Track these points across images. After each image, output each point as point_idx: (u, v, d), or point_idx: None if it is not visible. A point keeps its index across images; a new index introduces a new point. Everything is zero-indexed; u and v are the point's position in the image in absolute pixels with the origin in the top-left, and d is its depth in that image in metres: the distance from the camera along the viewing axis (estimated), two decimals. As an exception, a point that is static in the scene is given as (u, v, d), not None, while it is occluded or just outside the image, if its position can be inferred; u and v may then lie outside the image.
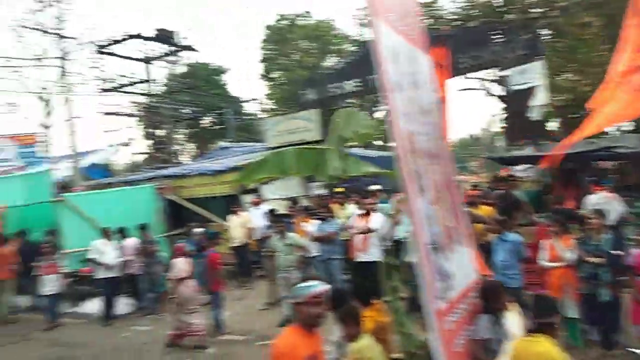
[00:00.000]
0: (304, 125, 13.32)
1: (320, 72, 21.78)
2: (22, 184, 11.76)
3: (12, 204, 11.78)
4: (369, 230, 7.30)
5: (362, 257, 7.30)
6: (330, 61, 29.06)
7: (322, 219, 8.07)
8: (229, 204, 11.28)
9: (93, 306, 9.54)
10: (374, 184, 9.28)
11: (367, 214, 7.53)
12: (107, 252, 9.06)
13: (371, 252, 7.16)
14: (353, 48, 26.69)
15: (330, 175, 4.21)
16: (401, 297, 4.54)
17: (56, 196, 10.89)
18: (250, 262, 10.59)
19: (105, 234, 9.35)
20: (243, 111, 31.83)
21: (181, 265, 7.14)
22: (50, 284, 8.72)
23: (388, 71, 2.85)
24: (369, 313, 3.91)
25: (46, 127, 25.49)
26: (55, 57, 23.40)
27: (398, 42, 3.22)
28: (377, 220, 7.35)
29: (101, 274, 8.97)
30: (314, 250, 8.16)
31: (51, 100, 25.39)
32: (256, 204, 10.68)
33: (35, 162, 20.36)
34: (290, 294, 2.84)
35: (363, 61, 13.93)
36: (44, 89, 25.60)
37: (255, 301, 9.06)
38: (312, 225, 8.18)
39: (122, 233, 9.85)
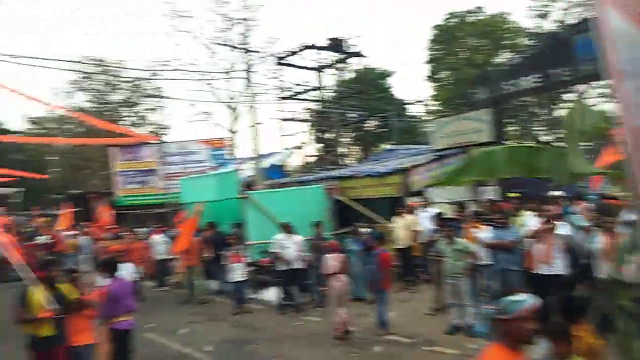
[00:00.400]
0: (474, 125, 12.69)
1: (492, 69, 20.54)
2: (214, 182, 13.41)
3: (206, 199, 13.56)
4: (554, 241, 6.62)
5: (544, 270, 6.65)
6: (503, 57, 27.24)
7: (496, 225, 7.56)
8: (393, 206, 11.33)
9: (270, 294, 10.45)
10: (554, 190, 8.40)
11: (549, 221, 6.84)
12: (288, 247, 9.60)
13: (555, 265, 6.49)
14: (530, 42, 24.60)
15: (571, 175, 3.69)
16: (632, 318, 3.93)
17: (242, 193, 12.16)
18: (414, 265, 10.48)
19: (286, 229, 9.88)
20: (407, 113, 31.72)
21: (332, 261, 7.63)
22: (236, 272, 9.67)
23: (618, 57, 2.47)
24: (577, 332, 3.50)
25: (233, 132, 28.80)
26: (241, 70, 26.32)
27: (628, 27, 2.79)
28: (563, 230, 6.65)
29: (281, 267, 9.59)
30: (485, 258, 7.71)
31: (237, 108, 28.66)
32: (423, 206, 10.48)
33: (224, 163, 23.16)
34: (492, 308, 2.63)
35: (543, 54, 12.70)
36: (231, 98, 28.99)
37: (419, 305, 8.91)
38: (484, 232, 7.72)
39: (285, 229, 10.41)
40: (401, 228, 10.28)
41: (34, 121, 36.24)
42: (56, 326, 5.08)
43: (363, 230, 9.67)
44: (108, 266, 6.00)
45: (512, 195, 11.30)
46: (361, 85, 25.30)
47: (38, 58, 27.36)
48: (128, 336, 5.78)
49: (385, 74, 33.09)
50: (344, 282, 7.64)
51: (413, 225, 10.22)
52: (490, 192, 12.34)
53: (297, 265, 9.57)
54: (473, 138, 12.66)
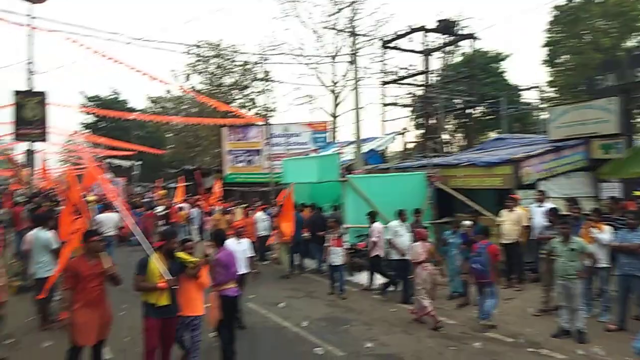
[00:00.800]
0: (599, 115, 11.51)
1: (622, 54, 18.45)
2: (316, 164, 13.66)
3: (307, 180, 13.88)
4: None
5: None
6: (635, 41, 24.37)
7: (619, 226, 6.85)
8: (499, 198, 10.73)
9: (364, 277, 10.52)
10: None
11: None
12: (402, 235, 9.20)
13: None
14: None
15: None
16: None
17: (341, 177, 12.27)
18: (521, 262, 9.88)
19: (402, 216, 9.53)
20: (519, 100, 29.69)
21: (419, 249, 7.75)
22: (336, 255, 9.75)
23: None
24: None
25: (335, 116, 29.11)
26: (346, 54, 26.39)
27: None
28: None
29: (395, 255, 9.24)
30: (604, 260, 7.04)
31: (340, 92, 28.87)
32: (539, 200, 9.77)
33: (325, 146, 23.53)
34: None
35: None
36: (335, 82, 29.26)
37: (524, 304, 8.41)
38: (605, 232, 7.04)
39: (372, 217, 10.32)
40: (509, 222, 9.71)
41: (154, 100, 39.50)
42: (172, 296, 5.10)
43: (465, 222, 9.25)
44: (217, 237, 6.40)
45: (638, 193, 10.19)
46: (470, 70, 24.07)
47: (160, 41, 29.59)
48: (235, 303, 6.13)
49: (498, 58, 31.18)
50: (430, 270, 7.70)
51: (523, 219, 9.61)
52: (612, 189, 11.22)
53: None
54: (596, 129, 11.52)
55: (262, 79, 27.02)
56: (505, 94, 25.41)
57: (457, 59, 30.15)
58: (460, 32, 23.22)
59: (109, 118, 36.32)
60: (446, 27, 22.07)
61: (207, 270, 5.78)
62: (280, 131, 25.09)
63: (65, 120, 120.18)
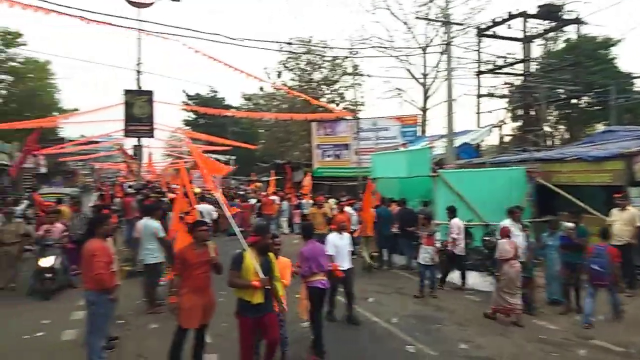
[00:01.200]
0: None
1: None
2: (406, 159, 13.41)
3: (397, 175, 13.68)
4: None
5: None
6: None
7: None
8: (609, 196, 9.81)
9: (454, 276, 10.16)
10: None
11: None
12: (517, 234, 8.42)
13: None
14: None
15: None
16: None
17: (432, 172, 11.93)
18: (633, 265, 8.99)
19: (514, 215, 8.83)
20: (631, 89, 26.91)
21: (506, 247, 7.71)
22: (427, 254, 9.33)
23: None
24: None
25: (425, 109, 28.42)
26: (439, 44, 25.57)
27: None
28: None
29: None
30: None
31: (431, 84, 28.09)
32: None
33: (414, 140, 23.08)
34: None
35: None
36: (425, 75, 28.52)
37: (636, 311, 7.72)
38: None
39: (452, 212, 10.01)
40: (621, 222, 8.87)
41: (248, 98, 41.17)
42: (266, 294, 4.87)
43: (567, 225, 8.38)
44: (305, 231, 6.75)
45: None
46: (575, 57, 22.23)
47: (255, 40, 30.72)
48: (323, 295, 6.23)
49: (608, 43, 28.50)
50: (517, 268, 7.63)
51: (637, 220, 8.74)
52: None
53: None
54: None
55: (351, 74, 27.04)
56: (615, 82, 23.14)
57: (561, 45, 28.03)
58: (564, 17, 21.49)
59: (207, 115, 38.55)
60: (548, 12, 20.53)
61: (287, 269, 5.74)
62: (369, 125, 25.00)
63: (169, 117, 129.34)
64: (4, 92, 38.87)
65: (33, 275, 9.06)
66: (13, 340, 6.60)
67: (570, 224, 8.26)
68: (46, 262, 8.89)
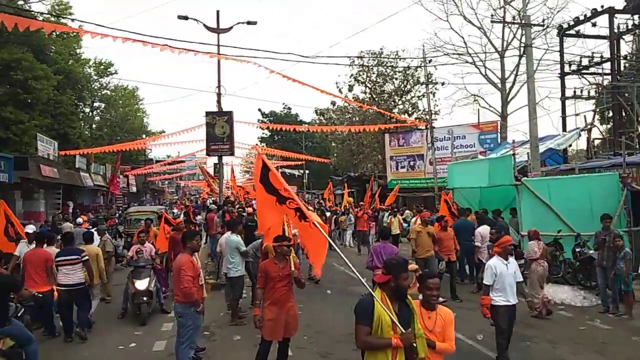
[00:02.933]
0: None
1: None
2: (486, 167, 12.92)
3: (476, 185, 13.21)
4: None
5: None
6: None
7: None
8: None
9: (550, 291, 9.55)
10: None
11: None
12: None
13: None
14: None
15: None
16: None
17: (515, 180, 11.37)
18: None
19: (605, 221, 8.83)
20: None
21: (534, 248, 8.64)
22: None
23: None
24: None
25: (505, 115, 27.25)
26: (517, 47, 24.54)
27: None
28: None
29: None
30: None
31: (510, 89, 26.94)
32: None
33: (495, 148, 22.17)
34: None
35: None
36: (502, 79, 27.42)
37: None
38: None
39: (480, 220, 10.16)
40: None
41: (321, 112, 41.82)
42: (407, 356, 3.40)
43: None
44: (382, 234, 8.42)
45: None
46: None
47: (325, 56, 31.22)
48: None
49: None
50: (544, 268, 8.51)
51: None
52: None
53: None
54: None
55: (424, 83, 26.62)
56: None
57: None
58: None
59: (282, 131, 39.62)
60: (638, 6, 19.00)
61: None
62: (444, 134, 24.41)
63: (247, 135, 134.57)
64: (97, 118, 42.53)
65: (126, 299, 8.73)
66: (109, 352, 7.02)
67: None
68: (142, 284, 8.45)
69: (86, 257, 7.58)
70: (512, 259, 6.01)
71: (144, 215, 15.03)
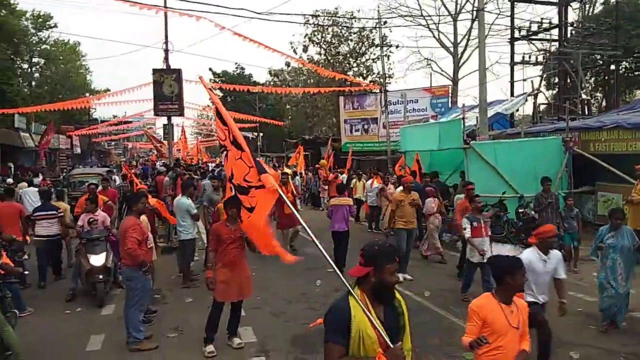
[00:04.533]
0: None
1: None
2: (437, 131, 13.13)
3: (427, 148, 13.44)
4: None
5: None
6: None
7: None
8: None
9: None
10: None
11: None
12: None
13: None
14: None
15: None
16: None
17: (463, 143, 11.65)
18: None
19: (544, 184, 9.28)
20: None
21: (431, 204, 9.86)
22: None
23: None
24: None
25: (456, 79, 27.71)
26: (469, 11, 24.72)
27: None
28: None
29: None
30: None
31: (462, 53, 27.30)
32: None
33: (446, 112, 22.57)
34: None
35: None
36: (455, 43, 27.72)
37: None
38: None
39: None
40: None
41: (275, 73, 41.00)
42: None
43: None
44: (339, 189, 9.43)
45: None
46: (614, 20, 21.10)
47: (279, 13, 30.33)
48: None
49: (649, 4, 26.92)
50: (439, 220, 9.90)
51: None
52: None
53: None
54: None
55: (378, 45, 26.47)
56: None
57: (599, 8, 26.68)
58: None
59: (234, 92, 38.63)
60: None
61: None
62: (397, 98, 24.55)
63: (198, 96, 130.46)
64: (37, 75, 39.85)
65: (76, 277, 7.59)
66: (55, 317, 6.82)
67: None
68: (98, 260, 7.24)
69: (62, 214, 8.41)
70: (554, 253, 4.74)
71: (89, 178, 14.37)
